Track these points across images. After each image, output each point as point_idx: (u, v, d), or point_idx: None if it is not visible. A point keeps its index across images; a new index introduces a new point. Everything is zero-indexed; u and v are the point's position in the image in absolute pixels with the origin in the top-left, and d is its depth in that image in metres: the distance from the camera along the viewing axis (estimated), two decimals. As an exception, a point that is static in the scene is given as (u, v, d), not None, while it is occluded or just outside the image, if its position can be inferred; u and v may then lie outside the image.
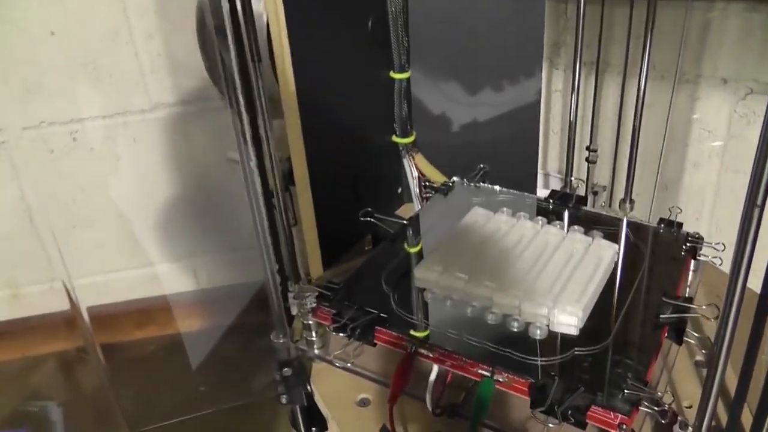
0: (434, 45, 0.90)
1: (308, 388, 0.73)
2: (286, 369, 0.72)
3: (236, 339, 1.20)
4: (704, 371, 0.71)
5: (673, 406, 0.60)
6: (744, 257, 0.38)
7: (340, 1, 0.81)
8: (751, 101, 1.03)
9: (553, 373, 0.61)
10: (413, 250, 0.81)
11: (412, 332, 0.67)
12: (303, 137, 0.77)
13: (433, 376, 0.66)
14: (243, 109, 0.60)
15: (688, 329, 0.67)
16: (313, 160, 0.76)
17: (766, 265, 0.43)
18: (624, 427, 0.56)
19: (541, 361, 0.63)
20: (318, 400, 0.73)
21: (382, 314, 0.69)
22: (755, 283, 0.47)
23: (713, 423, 0.57)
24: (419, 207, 0.93)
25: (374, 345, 0.68)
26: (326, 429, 0.82)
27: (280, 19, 0.71)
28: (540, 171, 1.09)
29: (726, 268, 0.80)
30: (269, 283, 0.72)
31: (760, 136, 0.38)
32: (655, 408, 0.58)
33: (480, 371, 0.62)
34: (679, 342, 0.66)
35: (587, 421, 0.57)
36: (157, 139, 1.13)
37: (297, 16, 0.72)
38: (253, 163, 0.63)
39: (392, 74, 0.88)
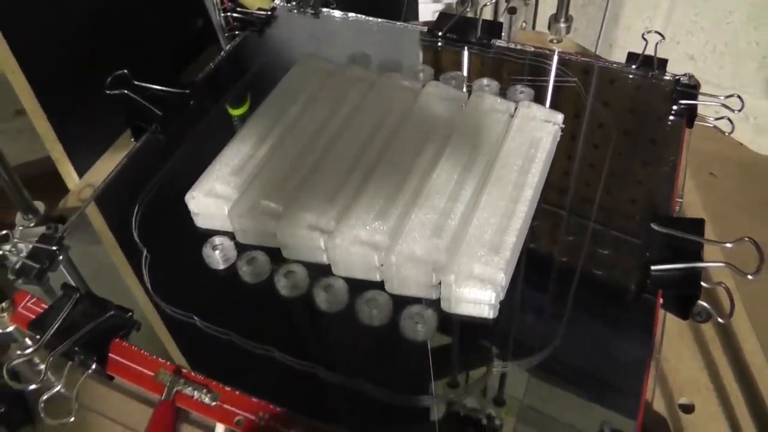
0: None
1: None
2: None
3: None
4: (713, 352, 0.40)
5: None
6: None
7: None
8: None
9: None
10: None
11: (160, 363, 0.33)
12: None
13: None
14: None
15: (712, 288, 0.35)
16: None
17: None
18: None
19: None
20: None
21: (119, 309, 0.34)
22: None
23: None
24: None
25: (111, 378, 0.34)
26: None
27: None
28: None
29: (741, 135, 0.48)
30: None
31: None
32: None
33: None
34: (685, 316, 0.34)
35: None
36: None
37: None
38: None
39: None
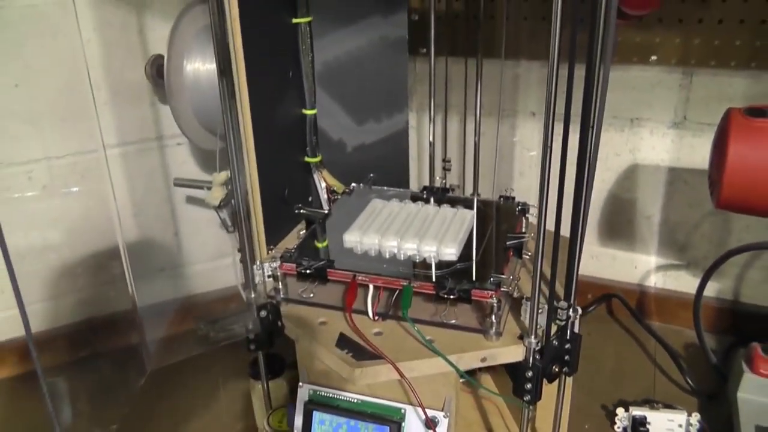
0: (333, 89, 1.24)
1: (279, 323, 1.00)
2: (263, 311, 0.99)
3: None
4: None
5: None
6: (543, 210, 0.77)
7: (273, 60, 1.12)
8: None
9: (447, 276, 0.94)
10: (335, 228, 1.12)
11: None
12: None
13: (370, 293, 0.96)
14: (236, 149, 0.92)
15: (525, 251, 1.03)
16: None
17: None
18: (493, 297, 0.90)
19: (437, 272, 0.96)
20: (288, 327, 0.99)
21: (329, 260, 0.99)
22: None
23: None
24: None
25: (327, 281, 0.98)
26: (282, 374, 1.10)
27: (241, 80, 1.00)
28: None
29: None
30: (246, 258, 0.99)
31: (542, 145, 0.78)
32: (509, 288, 0.93)
33: (402, 283, 0.94)
34: (520, 256, 1.02)
35: (472, 297, 0.90)
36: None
37: (253, 72, 1.00)
38: (243, 180, 0.92)
39: (305, 111, 1.21)
